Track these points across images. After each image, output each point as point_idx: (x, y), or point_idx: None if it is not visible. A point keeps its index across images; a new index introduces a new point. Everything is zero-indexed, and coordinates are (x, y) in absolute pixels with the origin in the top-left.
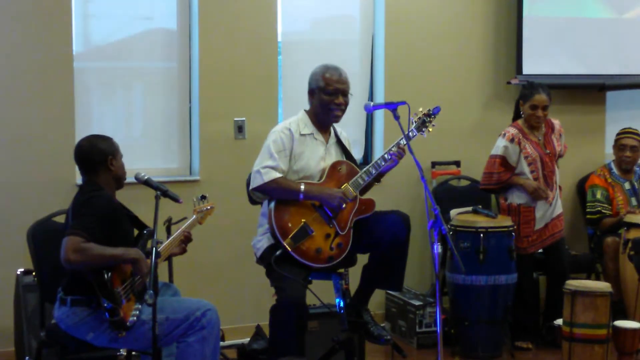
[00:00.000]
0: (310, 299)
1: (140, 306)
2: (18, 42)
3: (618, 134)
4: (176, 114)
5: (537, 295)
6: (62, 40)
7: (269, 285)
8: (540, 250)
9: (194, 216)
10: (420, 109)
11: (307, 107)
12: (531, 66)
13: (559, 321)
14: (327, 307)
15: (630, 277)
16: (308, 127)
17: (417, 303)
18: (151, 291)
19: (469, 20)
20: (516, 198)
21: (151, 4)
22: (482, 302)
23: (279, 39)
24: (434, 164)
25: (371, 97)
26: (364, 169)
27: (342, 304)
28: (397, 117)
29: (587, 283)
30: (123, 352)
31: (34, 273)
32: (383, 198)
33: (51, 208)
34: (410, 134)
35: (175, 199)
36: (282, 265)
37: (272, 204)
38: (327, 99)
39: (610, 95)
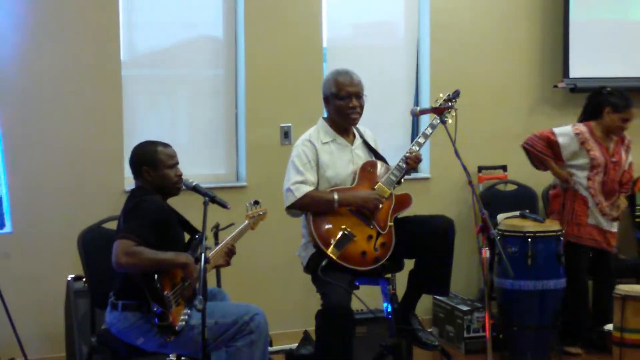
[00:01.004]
0: (358, 305)
1: (189, 311)
2: (68, 51)
3: None
4: (223, 121)
5: (587, 299)
6: (110, 49)
7: (316, 291)
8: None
9: (246, 221)
10: (440, 95)
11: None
12: (578, 69)
13: (610, 326)
14: (373, 312)
15: None
16: (329, 134)
17: (464, 308)
18: (200, 296)
19: (514, 24)
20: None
21: (198, 13)
22: (530, 307)
23: (324, 45)
24: (480, 169)
25: (416, 102)
26: (395, 165)
27: (389, 309)
28: (443, 121)
29: (637, 287)
30: (172, 357)
31: (84, 279)
32: (429, 203)
33: (101, 215)
34: (434, 122)
35: (224, 205)
36: (328, 273)
37: (310, 216)
38: (341, 104)
39: None
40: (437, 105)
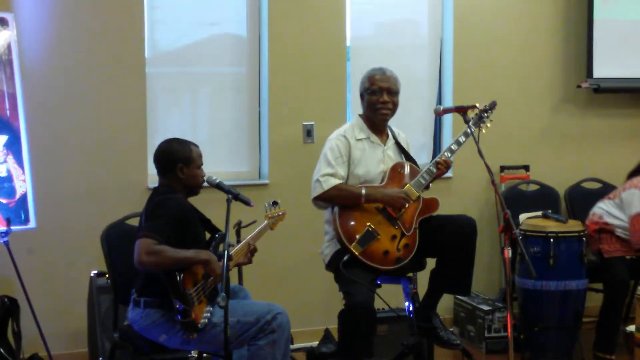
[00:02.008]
0: (379, 303)
1: (211, 308)
2: (93, 49)
3: None
4: (245, 119)
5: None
6: (135, 47)
7: (338, 289)
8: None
9: (265, 222)
10: (477, 105)
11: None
12: (602, 69)
13: (632, 327)
14: (395, 311)
15: None
16: (363, 132)
17: (486, 308)
18: (223, 294)
19: (538, 23)
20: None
21: (222, 11)
22: (552, 307)
23: (348, 43)
24: (502, 168)
25: (439, 101)
26: (425, 168)
27: (411, 308)
28: (467, 121)
29: None
30: (194, 354)
31: (107, 275)
32: (451, 202)
33: (124, 211)
34: (468, 130)
35: (247, 203)
36: (350, 270)
37: (336, 210)
38: (373, 98)
39: None
40: (474, 114)
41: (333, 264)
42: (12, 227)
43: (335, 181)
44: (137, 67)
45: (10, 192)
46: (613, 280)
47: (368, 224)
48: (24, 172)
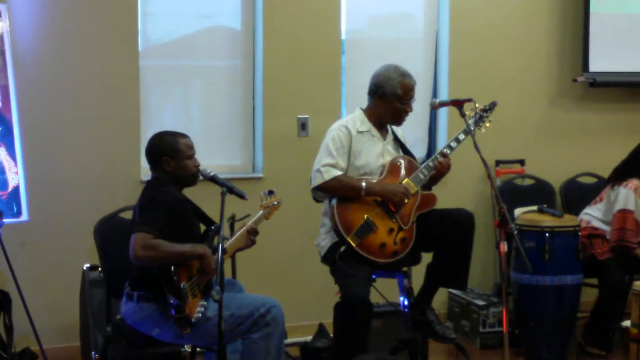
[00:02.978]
0: (374, 298)
1: (205, 303)
2: (85, 41)
3: None
4: (239, 112)
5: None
6: (128, 39)
7: (333, 283)
8: None
9: (261, 211)
10: (477, 104)
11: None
12: (598, 63)
13: (627, 323)
14: (391, 305)
15: None
16: (365, 125)
17: (480, 303)
18: (218, 287)
19: (534, 17)
20: None
21: (216, 3)
22: (547, 302)
23: (343, 37)
24: (498, 163)
25: (434, 94)
26: (424, 164)
27: (406, 303)
28: (463, 114)
29: None
30: (187, 348)
31: (99, 269)
32: (447, 197)
33: (117, 204)
34: (467, 128)
35: (241, 196)
36: (346, 262)
37: (334, 201)
38: (401, 107)
39: None
40: (473, 113)
41: (329, 257)
42: (5, 220)
43: (336, 172)
44: (130, 59)
45: (3, 184)
46: (611, 281)
47: (366, 216)
48: (16, 165)
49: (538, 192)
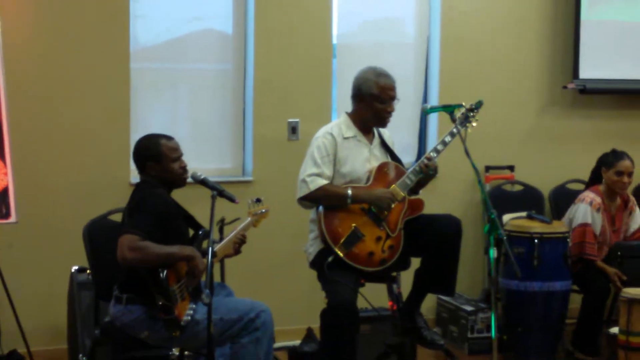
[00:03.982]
0: (363, 303)
1: (194, 306)
2: (76, 43)
3: None
4: (230, 115)
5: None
6: (119, 42)
7: (320, 288)
8: None
9: (249, 219)
10: (464, 104)
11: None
12: (588, 71)
13: (615, 329)
14: (378, 311)
15: None
16: (351, 130)
17: (469, 308)
18: (208, 291)
19: (525, 23)
20: None
21: (207, 7)
22: (536, 308)
23: (334, 41)
24: (487, 168)
25: (425, 99)
26: (411, 169)
27: (394, 308)
28: (454, 120)
29: None
30: (175, 351)
31: (88, 271)
32: (435, 202)
33: (106, 206)
34: (454, 130)
35: (232, 199)
36: (334, 270)
37: (321, 210)
38: (381, 107)
39: None
40: (460, 114)
41: (317, 263)
42: None
43: (322, 181)
44: (121, 62)
45: None
46: (593, 285)
47: (353, 224)
48: (5, 166)
49: (527, 198)
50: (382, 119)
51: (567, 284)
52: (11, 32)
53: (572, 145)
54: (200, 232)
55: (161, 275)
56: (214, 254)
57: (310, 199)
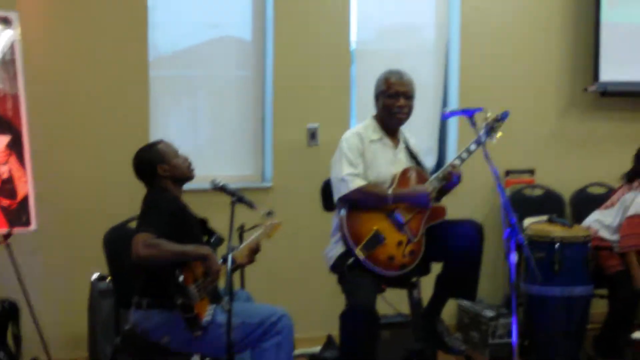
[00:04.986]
0: (383, 310)
1: (214, 306)
2: (96, 51)
3: None
4: (249, 121)
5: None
6: (137, 49)
7: (341, 293)
8: None
9: (262, 230)
10: (489, 114)
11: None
12: (608, 73)
13: (638, 334)
14: (400, 316)
15: None
16: (377, 132)
17: (490, 314)
18: (227, 297)
19: (545, 26)
20: None
21: (226, 14)
22: (557, 313)
23: (353, 47)
24: (507, 173)
25: (444, 105)
26: (434, 176)
27: (415, 314)
28: (473, 124)
29: None
30: (196, 358)
31: (108, 279)
32: (456, 207)
33: (126, 214)
34: (479, 139)
35: (251, 205)
36: (354, 273)
37: (344, 212)
38: (389, 102)
39: None
40: (485, 124)
41: (337, 267)
42: (14, 229)
43: (361, 181)
44: (140, 70)
45: (12, 193)
46: (622, 295)
47: (375, 227)
48: (26, 174)
49: (548, 202)
50: (393, 115)
51: (589, 288)
52: (31, 40)
53: (592, 149)
54: (213, 239)
55: (177, 275)
56: (233, 260)
57: (350, 199)
